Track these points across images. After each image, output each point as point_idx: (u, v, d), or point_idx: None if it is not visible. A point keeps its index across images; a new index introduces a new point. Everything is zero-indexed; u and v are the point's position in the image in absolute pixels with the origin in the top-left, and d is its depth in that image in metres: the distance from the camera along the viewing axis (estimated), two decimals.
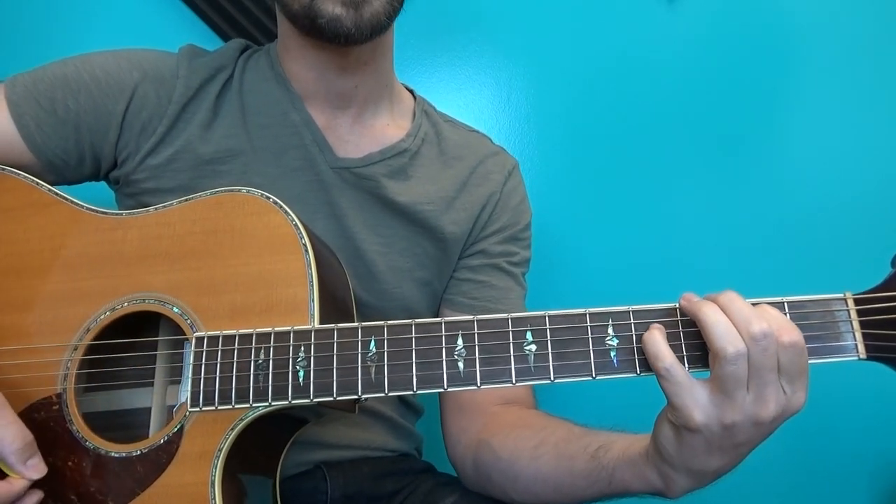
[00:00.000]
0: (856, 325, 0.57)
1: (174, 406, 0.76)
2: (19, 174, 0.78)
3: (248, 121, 0.86)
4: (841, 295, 0.59)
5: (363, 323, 0.65)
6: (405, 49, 1.27)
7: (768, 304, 0.58)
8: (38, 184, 0.77)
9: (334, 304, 0.72)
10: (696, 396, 0.57)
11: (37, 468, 0.64)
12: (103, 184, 0.90)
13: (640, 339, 0.59)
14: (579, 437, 0.74)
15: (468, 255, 0.93)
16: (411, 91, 0.98)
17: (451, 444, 0.90)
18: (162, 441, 0.67)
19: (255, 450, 0.70)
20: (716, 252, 1.27)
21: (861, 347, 0.57)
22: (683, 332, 0.59)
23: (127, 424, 0.76)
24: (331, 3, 0.75)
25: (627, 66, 1.29)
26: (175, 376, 0.77)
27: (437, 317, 0.95)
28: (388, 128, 0.91)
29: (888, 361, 0.57)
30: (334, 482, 0.86)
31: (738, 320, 0.56)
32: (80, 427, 0.69)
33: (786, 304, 0.59)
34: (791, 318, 0.58)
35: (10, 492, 0.62)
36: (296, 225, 0.70)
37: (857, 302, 0.58)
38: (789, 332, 0.55)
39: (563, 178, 1.28)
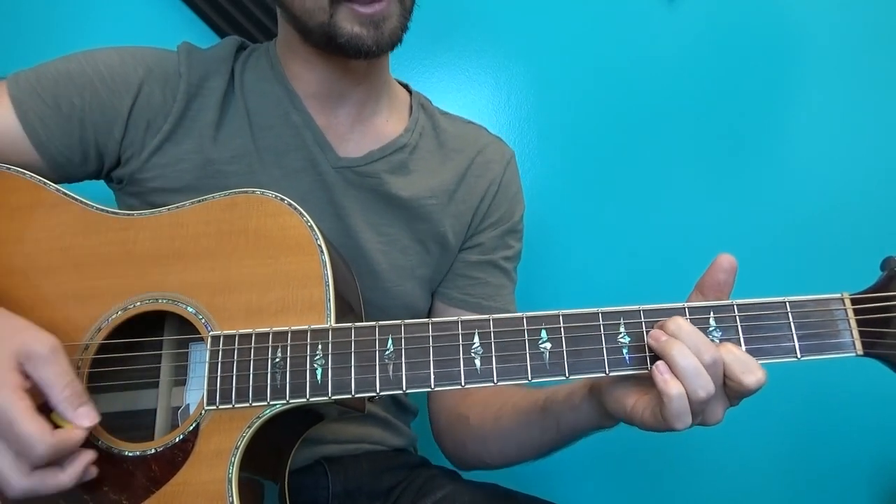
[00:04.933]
0: (853, 323, 0.61)
1: (179, 407, 0.76)
2: (24, 173, 0.77)
3: (252, 122, 0.86)
4: (839, 295, 0.62)
5: (380, 322, 0.66)
6: (406, 49, 1.27)
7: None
8: (44, 183, 0.77)
9: (346, 305, 0.74)
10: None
11: (89, 416, 0.63)
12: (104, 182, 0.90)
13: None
14: (531, 394, 0.80)
15: (466, 248, 0.95)
16: (407, 86, 0.99)
17: (433, 422, 0.97)
18: (177, 439, 0.67)
19: (269, 447, 0.71)
20: (714, 251, 1.30)
21: (858, 344, 0.61)
22: None
23: (130, 426, 0.75)
24: (349, 23, 0.76)
25: (627, 66, 1.31)
26: (180, 377, 0.77)
27: (431, 310, 0.98)
28: (387, 124, 0.92)
29: (883, 357, 0.60)
30: (335, 477, 0.88)
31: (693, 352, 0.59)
32: None
33: (787, 303, 0.62)
34: (792, 316, 0.62)
35: (68, 439, 0.60)
36: (311, 226, 0.71)
37: (853, 302, 0.62)
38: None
39: (563, 177, 1.30)
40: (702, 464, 1.30)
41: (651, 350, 0.61)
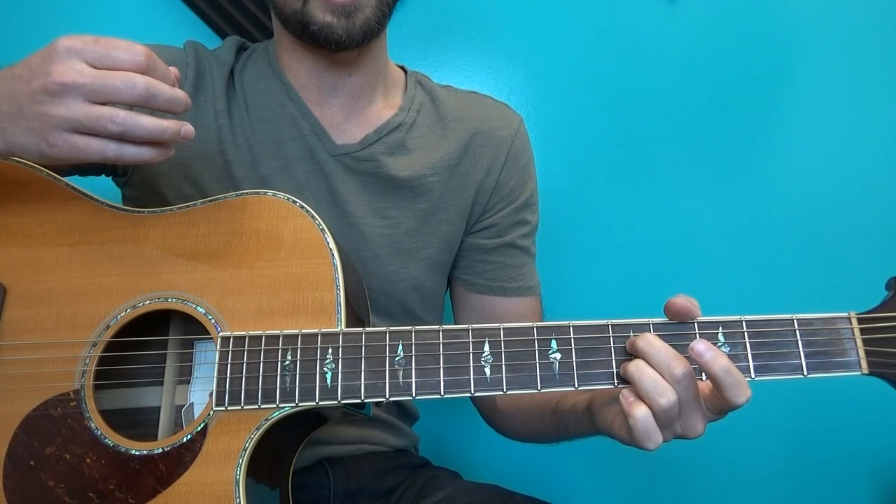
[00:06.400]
0: (859, 342, 0.62)
1: (183, 406, 0.76)
2: (35, 167, 0.77)
3: (251, 117, 0.88)
4: (845, 314, 0.63)
5: (391, 327, 0.67)
6: (405, 49, 1.28)
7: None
8: (55, 178, 0.76)
9: (355, 308, 0.74)
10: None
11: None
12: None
13: None
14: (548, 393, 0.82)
15: (479, 230, 0.94)
16: (403, 67, 0.98)
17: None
18: (185, 439, 0.67)
19: (275, 448, 0.71)
20: (715, 252, 1.30)
21: (864, 363, 0.61)
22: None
23: (132, 423, 0.75)
24: (321, 11, 0.77)
25: (627, 65, 1.31)
26: (184, 376, 0.77)
27: (447, 291, 0.98)
28: (383, 110, 0.92)
29: (888, 377, 0.61)
30: (337, 478, 0.89)
31: (661, 366, 0.61)
32: (99, 424, 0.69)
33: (795, 320, 0.63)
34: (800, 334, 0.62)
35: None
36: (322, 229, 0.72)
37: (860, 321, 0.62)
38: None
39: (563, 178, 1.30)
40: (701, 464, 1.31)
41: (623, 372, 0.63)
